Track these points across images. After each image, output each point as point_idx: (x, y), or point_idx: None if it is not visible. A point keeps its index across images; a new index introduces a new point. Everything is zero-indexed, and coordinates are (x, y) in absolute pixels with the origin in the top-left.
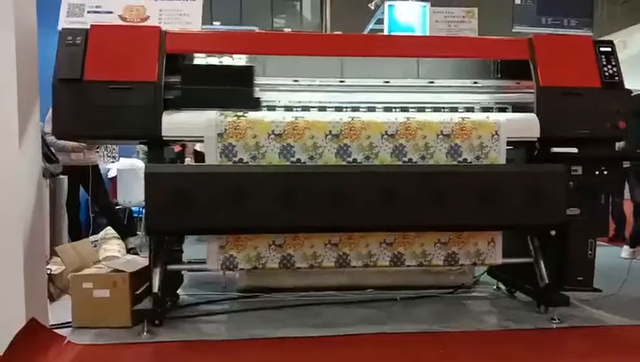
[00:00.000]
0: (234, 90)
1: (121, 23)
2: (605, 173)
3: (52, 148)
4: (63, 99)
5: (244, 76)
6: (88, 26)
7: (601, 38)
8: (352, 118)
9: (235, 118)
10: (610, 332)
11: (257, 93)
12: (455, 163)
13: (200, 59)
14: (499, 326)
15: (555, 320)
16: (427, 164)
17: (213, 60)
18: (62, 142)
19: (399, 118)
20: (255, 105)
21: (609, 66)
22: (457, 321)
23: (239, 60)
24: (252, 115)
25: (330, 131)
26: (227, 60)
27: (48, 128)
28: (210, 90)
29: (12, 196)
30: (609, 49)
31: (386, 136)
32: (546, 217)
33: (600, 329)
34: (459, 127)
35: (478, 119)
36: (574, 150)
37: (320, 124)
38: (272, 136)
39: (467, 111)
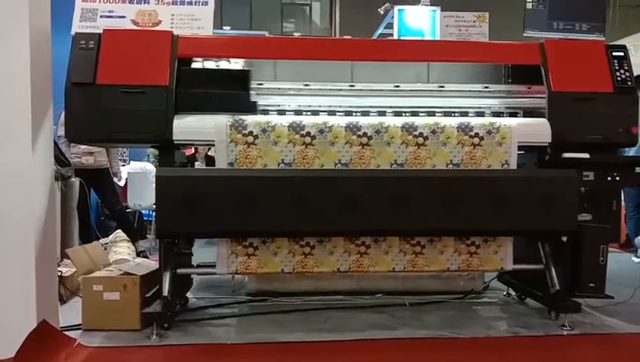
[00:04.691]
0: (231, 93)
1: (134, 27)
2: (617, 178)
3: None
4: (75, 103)
5: (241, 80)
6: (101, 31)
7: (614, 43)
8: (362, 146)
9: (246, 146)
10: (621, 339)
11: (254, 97)
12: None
13: (197, 64)
14: (509, 333)
15: (565, 327)
16: (437, 169)
17: (210, 64)
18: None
19: (410, 147)
20: (252, 108)
21: (621, 71)
22: (467, 327)
23: (236, 64)
24: (262, 142)
25: (339, 160)
26: (224, 64)
27: (61, 131)
28: (208, 94)
29: (25, 199)
30: (621, 53)
31: (395, 166)
32: (558, 223)
33: (611, 337)
34: (469, 156)
35: (489, 147)
36: (586, 155)
37: (329, 153)
38: (282, 165)
39: (477, 115)
